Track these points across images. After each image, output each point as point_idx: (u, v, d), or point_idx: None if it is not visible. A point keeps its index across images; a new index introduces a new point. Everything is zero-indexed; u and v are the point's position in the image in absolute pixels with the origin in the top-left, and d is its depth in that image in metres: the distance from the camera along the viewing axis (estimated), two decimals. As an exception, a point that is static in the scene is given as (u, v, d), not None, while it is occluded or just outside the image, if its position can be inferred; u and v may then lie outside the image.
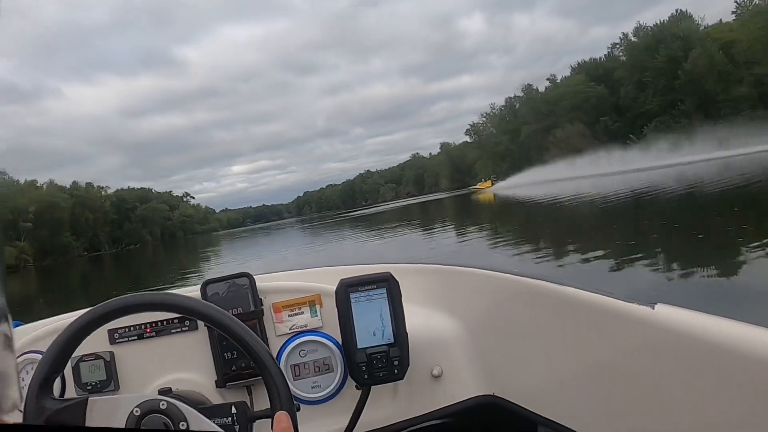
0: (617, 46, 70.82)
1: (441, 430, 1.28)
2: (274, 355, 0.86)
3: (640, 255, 7.91)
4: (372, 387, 1.20)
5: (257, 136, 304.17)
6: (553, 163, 60.45)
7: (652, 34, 63.45)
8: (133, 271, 33.05)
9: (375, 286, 1.19)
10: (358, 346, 1.18)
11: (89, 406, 0.79)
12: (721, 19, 62.24)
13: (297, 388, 1.26)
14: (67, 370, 1.23)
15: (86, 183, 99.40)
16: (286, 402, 0.83)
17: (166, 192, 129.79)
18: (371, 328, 1.19)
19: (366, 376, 1.18)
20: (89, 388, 1.22)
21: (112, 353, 1.24)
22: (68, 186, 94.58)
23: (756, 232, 8.64)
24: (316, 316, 1.28)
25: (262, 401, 1.12)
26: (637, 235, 10.60)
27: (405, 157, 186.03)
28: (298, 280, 1.35)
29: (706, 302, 5.07)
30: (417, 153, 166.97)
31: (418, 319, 1.29)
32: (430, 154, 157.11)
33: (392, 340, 1.18)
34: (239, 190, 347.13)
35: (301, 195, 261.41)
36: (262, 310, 1.27)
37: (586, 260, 8.41)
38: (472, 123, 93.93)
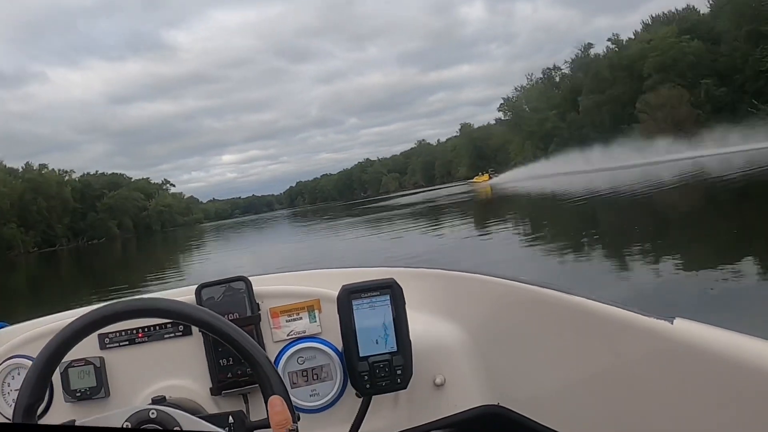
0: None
1: None
2: (272, 362, 0.83)
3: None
4: (373, 396, 1.18)
5: (248, 124, 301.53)
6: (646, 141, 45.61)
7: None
8: (86, 271, 29.45)
9: (378, 293, 1.16)
10: (361, 355, 1.15)
11: None
12: None
13: (295, 396, 1.21)
14: (56, 377, 1.16)
15: (39, 164, 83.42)
16: (277, 386, 0.81)
17: (142, 179, 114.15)
18: (374, 335, 1.16)
19: (368, 386, 1.16)
20: (78, 395, 1.18)
21: (102, 359, 1.20)
22: (21, 169, 78.85)
23: None
24: (315, 321, 1.25)
25: (259, 410, 1.12)
26: None
27: (400, 148, 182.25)
28: (296, 284, 1.31)
29: None
30: (423, 140, 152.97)
31: (419, 325, 1.25)
32: (438, 140, 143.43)
33: (395, 348, 1.16)
34: (228, 180, 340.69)
35: (294, 185, 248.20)
36: (260, 315, 1.24)
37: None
38: (506, 97, 78.59)
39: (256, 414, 1.08)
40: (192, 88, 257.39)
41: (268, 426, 0.78)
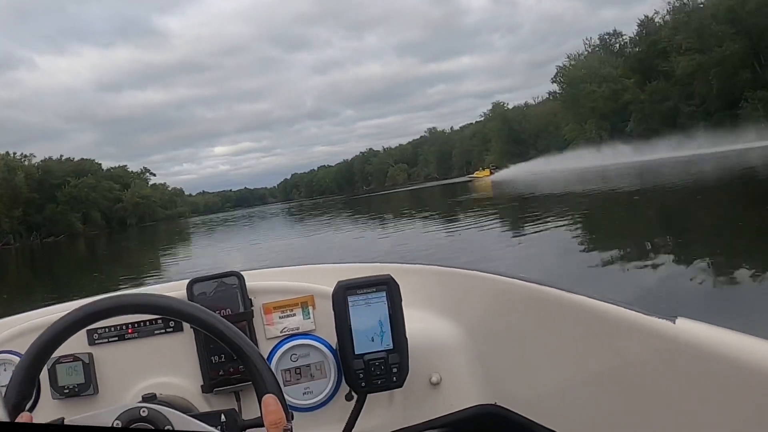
0: None
1: None
2: (265, 360, 0.82)
3: None
4: (368, 394, 1.16)
5: (242, 114, 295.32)
6: None
7: None
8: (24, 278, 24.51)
9: (374, 289, 1.15)
10: (356, 352, 1.14)
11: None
12: None
13: (288, 394, 1.18)
14: (43, 373, 1.13)
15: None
16: (271, 385, 0.80)
17: (118, 166, 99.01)
18: (369, 333, 1.15)
19: (363, 384, 1.14)
20: (66, 392, 1.16)
21: (91, 355, 1.18)
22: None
23: None
24: (309, 318, 1.23)
25: (251, 408, 1.12)
26: None
27: (397, 142, 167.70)
28: (290, 279, 1.31)
29: None
30: (434, 127, 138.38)
31: (416, 323, 1.23)
32: (451, 128, 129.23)
33: (391, 346, 1.14)
34: (221, 173, 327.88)
35: (288, 177, 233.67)
36: (252, 311, 1.22)
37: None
38: (560, 65, 64.25)
39: (249, 412, 1.07)
40: (184, 76, 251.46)
41: (261, 425, 0.76)
